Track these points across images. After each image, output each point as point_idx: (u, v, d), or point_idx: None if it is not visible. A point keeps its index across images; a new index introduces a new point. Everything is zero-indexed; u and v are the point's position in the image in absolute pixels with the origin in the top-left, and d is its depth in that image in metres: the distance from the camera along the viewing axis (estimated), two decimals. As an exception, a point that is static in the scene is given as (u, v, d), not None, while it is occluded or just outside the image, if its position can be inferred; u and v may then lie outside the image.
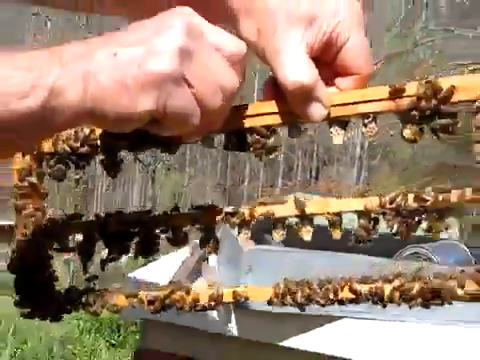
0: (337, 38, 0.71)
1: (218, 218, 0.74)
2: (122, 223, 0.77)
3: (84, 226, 0.79)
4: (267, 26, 0.71)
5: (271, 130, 0.71)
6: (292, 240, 1.28)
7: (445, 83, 0.67)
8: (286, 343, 1.23)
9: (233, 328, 1.28)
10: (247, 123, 0.71)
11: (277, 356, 1.31)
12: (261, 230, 1.39)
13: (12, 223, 0.93)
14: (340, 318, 1.22)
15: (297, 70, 0.69)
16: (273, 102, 0.72)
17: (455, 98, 0.68)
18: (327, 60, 0.73)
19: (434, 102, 0.67)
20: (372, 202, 0.70)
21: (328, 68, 0.73)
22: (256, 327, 1.28)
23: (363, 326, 1.22)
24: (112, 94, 0.61)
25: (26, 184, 0.77)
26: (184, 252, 1.52)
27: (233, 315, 1.28)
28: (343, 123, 0.71)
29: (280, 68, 0.70)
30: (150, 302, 0.75)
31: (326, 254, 1.28)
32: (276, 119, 0.71)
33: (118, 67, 0.61)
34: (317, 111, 0.70)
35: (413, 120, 0.69)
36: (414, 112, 0.68)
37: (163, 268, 1.45)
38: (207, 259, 1.37)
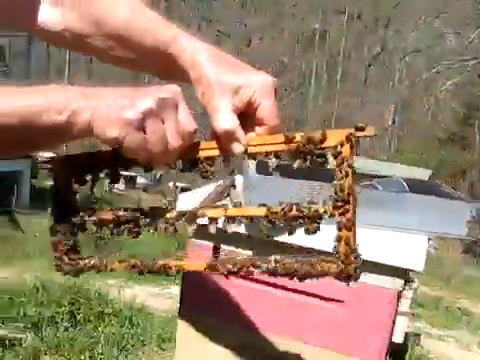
0: (255, 101, 0.81)
1: (172, 215, 0.84)
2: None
3: None
4: (209, 92, 0.82)
5: (211, 160, 0.81)
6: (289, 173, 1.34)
7: (318, 134, 0.75)
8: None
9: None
10: (197, 154, 0.81)
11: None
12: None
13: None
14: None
15: (224, 121, 0.80)
16: (213, 141, 0.82)
17: (325, 144, 0.74)
18: (249, 114, 0.82)
19: (311, 146, 0.75)
20: (271, 210, 0.78)
21: (251, 119, 0.82)
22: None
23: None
24: (102, 121, 0.75)
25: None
26: (210, 186, 1.59)
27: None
28: (256, 156, 0.81)
29: (215, 120, 0.81)
30: (133, 267, 0.85)
31: (301, 182, 1.37)
32: (214, 152, 0.82)
33: (112, 107, 0.75)
34: (237, 148, 0.80)
35: (300, 157, 0.76)
36: (300, 150, 0.76)
37: (197, 195, 1.53)
38: (234, 185, 1.52)
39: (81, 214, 0.85)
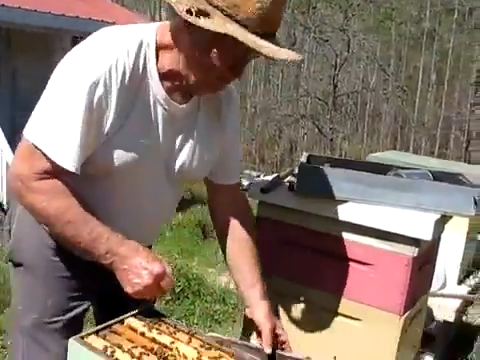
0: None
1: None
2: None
3: None
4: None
5: None
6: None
7: None
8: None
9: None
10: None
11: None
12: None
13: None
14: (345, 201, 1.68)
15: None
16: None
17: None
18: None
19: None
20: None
21: None
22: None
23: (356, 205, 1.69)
24: (124, 280, 1.33)
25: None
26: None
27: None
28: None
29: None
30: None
31: (346, 171, 1.75)
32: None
33: (133, 274, 1.31)
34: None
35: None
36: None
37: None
38: (294, 174, 1.88)
39: None
